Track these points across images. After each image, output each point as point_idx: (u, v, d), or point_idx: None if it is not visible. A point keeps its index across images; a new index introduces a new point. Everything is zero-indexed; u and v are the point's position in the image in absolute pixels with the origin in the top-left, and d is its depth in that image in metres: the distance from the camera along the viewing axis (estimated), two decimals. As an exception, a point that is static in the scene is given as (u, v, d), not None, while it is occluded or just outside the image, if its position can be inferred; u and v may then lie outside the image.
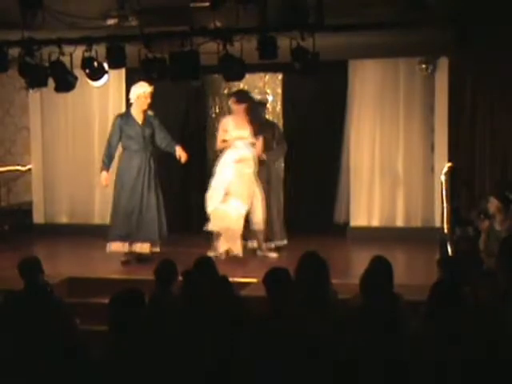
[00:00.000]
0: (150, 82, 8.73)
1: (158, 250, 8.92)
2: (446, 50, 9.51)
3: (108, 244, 8.91)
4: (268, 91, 11.72)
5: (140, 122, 8.98)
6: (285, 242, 9.45)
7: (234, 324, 4.44)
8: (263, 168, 9.37)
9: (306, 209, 9.61)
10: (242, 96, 9.52)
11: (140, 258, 9.00)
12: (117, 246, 8.91)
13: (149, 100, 8.98)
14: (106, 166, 9.01)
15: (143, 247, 8.94)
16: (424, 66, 10.20)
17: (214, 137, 11.49)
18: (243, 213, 8.99)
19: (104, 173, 8.99)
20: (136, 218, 8.88)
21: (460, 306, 4.62)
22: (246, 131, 9.23)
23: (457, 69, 9.99)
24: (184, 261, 6.37)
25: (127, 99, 11.00)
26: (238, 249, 9.00)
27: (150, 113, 9.08)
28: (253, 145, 9.25)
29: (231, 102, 9.43)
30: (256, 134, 9.27)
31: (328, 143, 10.92)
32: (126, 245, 8.92)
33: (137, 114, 9.02)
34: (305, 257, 5.61)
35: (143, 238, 8.91)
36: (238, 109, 9.26)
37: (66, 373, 4.15)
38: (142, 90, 8.92)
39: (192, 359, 4.32)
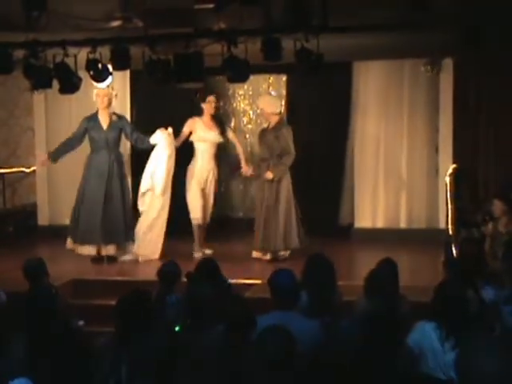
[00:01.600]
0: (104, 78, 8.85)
1: (125, 254, 9.22)
2: (451, 51, 9.52)
3: (73, 245, 9.18)
4: (272, 93, 11.74)
5: (105, 126, 9.16)
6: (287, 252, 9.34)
7: (240, 326, 4.44)
8: (271, 186, 9.13)
9: (310, 210, 9.60)
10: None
11: (110, 259, 9.21)
12: (83, 250, 9.17)
13: (105, 99, 9.21)
14: (52, 155, 9.33)
15: (109, 249, 9.15)
16: (429, 67, 10.19)
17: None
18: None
19: (45, 156, 9.36)
20: (99, 220, 9.02)
21: (464, 308, 4.61)
22: (212, 133, 9.34)
23: (461, 70, 9.99)
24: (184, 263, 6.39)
25: (131, 100, 11.09)
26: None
27: (114, 117, 9.20)
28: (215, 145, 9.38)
29: (208, 100, 9.43)
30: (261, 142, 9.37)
31: (332, 144, 10.93)
32: (93, 248, 9.15)
33: (102, 116, 9.22)
34: (311, 258, 5.62)
35: (108, 240, 9.03)
36: (209, 108, 9.36)
37: (70, 374, 4.16)
38: (96, 90, 9.10)
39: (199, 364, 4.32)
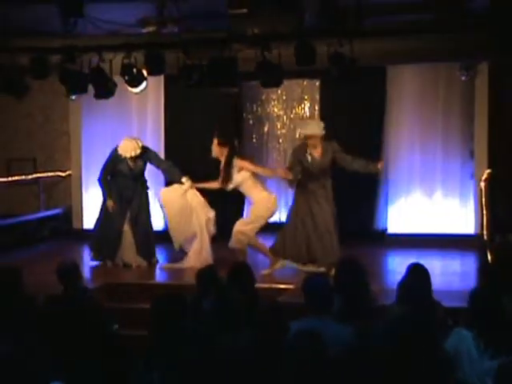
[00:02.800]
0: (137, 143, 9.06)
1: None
2: (487, 55, 9.41)
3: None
4: (306, 97, 11.71)
5: (131, 162, 9.14)
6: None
7: (272, 331, 4.42)
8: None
9: (344, 215, 9.54)
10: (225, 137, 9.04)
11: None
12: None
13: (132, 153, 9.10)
14: (108, 194, 9.26)
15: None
16: (464, 71, 10.09)
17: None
18: None
19: (109, 200, 9.23)
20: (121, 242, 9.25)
21: (501, 316, 4.55)
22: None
23: (497, 73, 9.88)
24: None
25: (165, 106, 11.13)
26: None
27: (140, 152, 9.12)
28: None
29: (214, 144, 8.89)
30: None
31: (366, 150, 10.82)
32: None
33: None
34: (344, 263, 5.59)
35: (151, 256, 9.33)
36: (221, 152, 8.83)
37: (105, 375, 4.17)
38: (122, 150, 9.10)
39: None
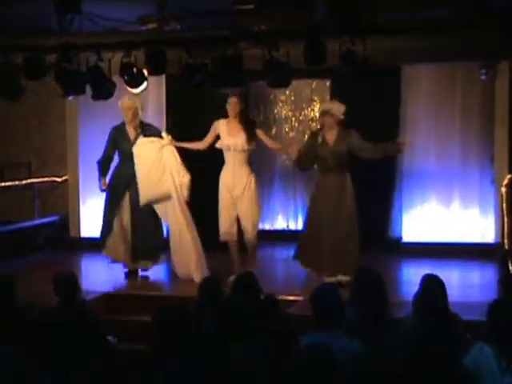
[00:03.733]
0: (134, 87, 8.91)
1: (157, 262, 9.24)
2: (507, 54, 9.40)
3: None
4: (315, 99, 11.72)
5: (132, 137, 9.13)
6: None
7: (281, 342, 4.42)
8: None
9: (361, 223, 9.52)
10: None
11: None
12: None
13: (129, 113, 9.15)
14: (102, 174, 9.32)
15: (142, 264, 9.32)
16: (483, 71, 10.08)
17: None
18: None
19: (103, 179, 9.29)
20: (128, 235, 9.22)
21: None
22: (238, 139, 8.76)
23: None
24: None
25: (167, 106, 11.14)
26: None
27: (141, 128, 9.19)
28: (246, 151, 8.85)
29: (229, 102, 8.83)
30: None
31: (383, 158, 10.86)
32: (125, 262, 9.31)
33: (128, 127, 9.19)
34: (359, 273, 5.58)
35: (141, 255, 9.21)
36: (232, 110, 8.80)
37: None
38: (120, 103, 9.16)
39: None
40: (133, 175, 9.05)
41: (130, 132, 9.20)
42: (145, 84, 8.85)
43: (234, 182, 8.72)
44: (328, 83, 11.38)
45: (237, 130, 8.75)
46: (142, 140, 9.13)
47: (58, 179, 11.85)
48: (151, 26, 8.99)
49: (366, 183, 10.77)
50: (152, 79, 9.24)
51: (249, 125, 8.86)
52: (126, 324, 7.40)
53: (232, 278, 7.72)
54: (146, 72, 8.62)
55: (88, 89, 8.64)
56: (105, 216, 9.29)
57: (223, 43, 8.09)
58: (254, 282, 6.00)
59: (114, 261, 9.32)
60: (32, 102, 11.59)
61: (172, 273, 9.21)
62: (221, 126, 8.85)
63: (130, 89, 8.91)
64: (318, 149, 8.47)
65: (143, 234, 9.14)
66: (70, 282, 6.23)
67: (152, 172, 8.89)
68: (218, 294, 5.89)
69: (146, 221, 9.13)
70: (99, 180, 9.29)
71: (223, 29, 8.49)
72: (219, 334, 4.77)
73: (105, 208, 9.30)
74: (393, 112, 10.71)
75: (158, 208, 9.08)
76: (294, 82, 9.09)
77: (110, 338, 5.91)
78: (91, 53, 8.44)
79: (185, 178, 8.90)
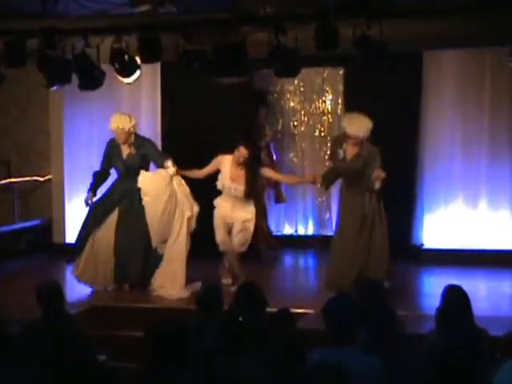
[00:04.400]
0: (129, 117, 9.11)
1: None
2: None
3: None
4: (327, 89, 11.74)
5: (125, 155, 9.17)
6: None
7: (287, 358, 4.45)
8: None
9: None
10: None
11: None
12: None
13: (121, 138, 9.09)
14: (92, 188, 9.32)
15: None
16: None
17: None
18: None
19: (91, 194, 9.28)
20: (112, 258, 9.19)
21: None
22: (236, 186, 8.95)
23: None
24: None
25: (162, 98, 11.16)
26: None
27: (137, 143, 9.16)
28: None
29: (237, 150, 8.91)
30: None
31: (398, 152, 10.84)
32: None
33: (122, 144, 9.22)
34: (365, 285, 5.61)
35: (124, 281, 9.22)
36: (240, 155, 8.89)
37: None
38: (112, 125, 9.11)
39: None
40: (127, 192, 9.10)
41: (124, 149, 9.20)
42: (137, 73, 8.87)
43: (232, 216, 9.03)
44: (341, 71, 11.39)
45: (239, 177, 8.95)
46: (145, 176, 9.14)
47: (41, 179, 11.86)
48: (144, 8, 9.02)
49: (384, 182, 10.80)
50: (145, 68, 9.26)
51: (253, 174, 9.01)
52: (115, 339, 7.42)
53: (233, 288, 7.77)
54: (138, 60, 8.64)
55: (74, 78, 8.67)
56: (81, 234, 9.31)
57: (224, 27, 8.12)
58: (259, 293, 6.01)
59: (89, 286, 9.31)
60: (12, 92, 11.60)
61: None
62: (224, 165, 8.99)
63: (121, 78, 8.94)
64: (338, 163, 8.77)
65: (129, 257, 9.12)
66: (54, 293, 6.24)
67: (165, 215, 8.95)
68: (219, 305, 5.92)
69: (134, 243, 9.14)
70: (88, 192, 9.29)
71: (224, 11, 8.51)
72: (221, 350, 4.79)
73: (84, 223, 9.30)
74: (413, 103, 10.72)
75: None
76: (304, 71, 9.12)
77: (100, 357, 5.94)
78: (78, 38, 8.47)
79: (194, 209, 8.97)
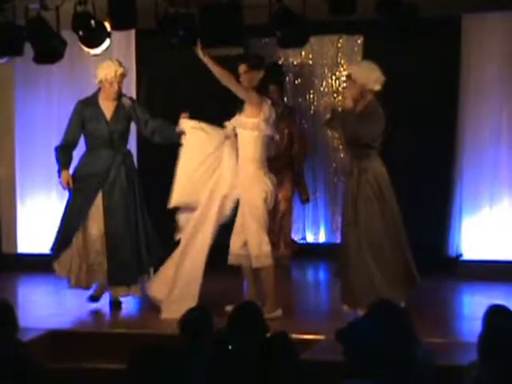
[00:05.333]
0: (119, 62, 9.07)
1: (138, 293, 9.26)
2: None
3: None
4: (342, 62, 11.76)
5: (109, 115, 9.13)
6: None
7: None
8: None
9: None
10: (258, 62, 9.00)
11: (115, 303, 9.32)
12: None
13: (116, 87, 9.06)
14: (63, 165, 9.24)
15: (117, 291, 9.31)
16: None
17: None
18: None
19: (65, 172, 9.19)
20: (99, 253, 9.20)
21: None
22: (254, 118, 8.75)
23: None
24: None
25: (138, 74, 11.16)
26: None
27: (124, 102, 9.13)
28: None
29: (241, 70, 8.79)
30: None
31: (431, 140, 10.88)
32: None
33: (105, 101, 9.15)
34: (377, 307, 5.64)
35: (115, 280, 9.21)
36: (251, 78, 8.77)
37: None
38: (104, 73, 8.99)
39: None
40: (108, 169, 9.09)
41: (106, 108, 9.16)
42: (107, 42, 8.89)
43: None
44: (360, 40, 11.43)
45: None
46: (190, 123, 9.04)
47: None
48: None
49: (412, 179, 10.82)
50: (117, 36, 9.30)
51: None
52: (84, 374, 7.43)
53: (228, 307, 7.81)
54: (108, 26, 8.66)
55: (28, 48, 8.68)
56: (61, 225, 9.30)
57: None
58: (257, 315, 6.05)
59: (73, 286, 9.31)
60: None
61: (147, 302, 9.29)
62: None
63: (86, 49, 8.95)
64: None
65: (120, 252, 9.16)
66: (2, 315, 6.27)
67: (201, 170, 8.90)
68: (209, 331, 5.95)
69: (126, 234, 9.17)
70: (59, 174, 9.19)
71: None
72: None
73: (64, 214, 9.32)
74: (450, 78, 10.74)
75: (180, 217, 9.05)
76: (313, 40, 9.15)
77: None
78: (32, -1, 8.50)
79: (235, 190, 8.87)
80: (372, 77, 8.52)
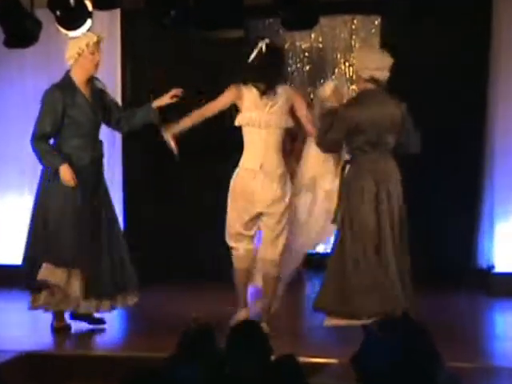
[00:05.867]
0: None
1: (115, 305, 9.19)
2: None
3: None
4: (357, 45, 11.76)
5: (90, 100, 8.98)
6: None
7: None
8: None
9: (423, 244, 9.56)
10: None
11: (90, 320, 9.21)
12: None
13: (97, 58, 8.87)
14: (59, 158, 8.99)
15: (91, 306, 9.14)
16: None
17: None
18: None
19: (65, 166, 8.90)
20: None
21: None
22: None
23: None
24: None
25: (123, 58, 11.15)
26: None
27: (98, 82, 9.01)
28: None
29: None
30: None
31: (458, 137, 10.89)
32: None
33: (82, 83, 8.97)
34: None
35: (97, 293, 9.11)
36: None
37: None
38: (83, 42, 8.71)
39: None
40: (94, 162, 9.01)
41: (85, 92, 9.03)
42: (88, 24, 8.89)
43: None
44: (377, 21, 11.44)
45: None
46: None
47: None
48: None
49: (437, 181, 10.82)
50: (100, 16, 9.29)
51: None
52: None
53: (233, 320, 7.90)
54: (89, 4, 8.66)
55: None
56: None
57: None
58: (260, 335, 6.06)
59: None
60: None
61: (132, 320, 9.31)
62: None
63: (64, 30, 8.95)
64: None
65: (109, 260, 9.13)
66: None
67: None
68: (206, 350, 5.96)
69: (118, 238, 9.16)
70: (52, 169, 9.03)
71: None
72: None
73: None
74: (478, 60, 10.74)
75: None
76: (323, 21, 9.13)
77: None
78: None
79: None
80: (365, 62, 8.53)
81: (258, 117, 8.59)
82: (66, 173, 8.78)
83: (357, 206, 8.43)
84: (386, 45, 11.13)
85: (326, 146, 8.57)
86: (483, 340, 8.91)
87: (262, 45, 8.35)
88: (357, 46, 11.74)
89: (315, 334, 9.07)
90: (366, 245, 8.40)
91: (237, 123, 8.69)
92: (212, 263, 10.10)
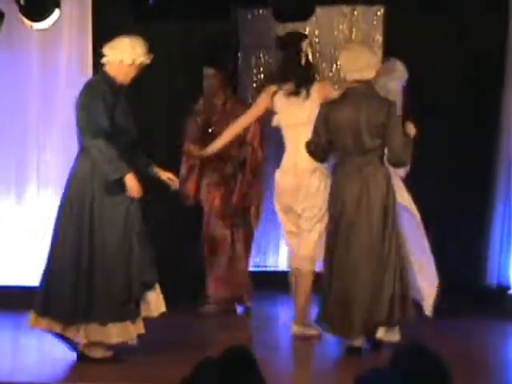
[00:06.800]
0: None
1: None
2: None
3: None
4: (357, 40, 11.79)
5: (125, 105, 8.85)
6: None
7: None
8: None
9: (441, 261, 9.59)
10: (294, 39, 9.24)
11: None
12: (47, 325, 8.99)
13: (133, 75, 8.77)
14: (125, 166, 8.69)
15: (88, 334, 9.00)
16: None
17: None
18: None
19: (130, 175, 8.62)
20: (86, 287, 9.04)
21: None
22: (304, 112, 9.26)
23: None
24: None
25: (95, 54, 11.15)
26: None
27: None
28: None
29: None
30: None
31: (470, 138, 10.93)
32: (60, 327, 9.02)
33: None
34: (405, 352, 5.67)
35: (92, 318, 9.02)
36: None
37: None
38: (139, 60, 8.64)
39: None
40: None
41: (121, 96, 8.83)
42: (55, 14, 8.91)
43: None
44: (379, 12, 11.48)
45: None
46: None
47: None
48: None
49: (443, 187, 10.87)
50: (69, 6, 9.31)
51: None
52: None
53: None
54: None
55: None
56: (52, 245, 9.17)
57: None
58: (252, 364, 6.08)
59: None
60: None
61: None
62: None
63: (29, 22, 8.97)
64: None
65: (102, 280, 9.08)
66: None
67: None
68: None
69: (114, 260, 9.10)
70: (118, 178, 8.76)
71: None
72: None
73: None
74: (494, 61, 10.81)
75: None
76: (320, 11, 9.16)
77: None
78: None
79: None
80: (349, 64, 8.67)
81: (289, 116, 9.37)
82: (134, 183, 8.57)
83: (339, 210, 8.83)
84: (389, 38, 11.24)
85: (315, 153, 9.02)
86: (500, 368, 8.87)
87: (307, 47, 8.72)
88: (358, 39, 11.81)
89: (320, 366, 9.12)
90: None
91: (274, 124, 9.50)
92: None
